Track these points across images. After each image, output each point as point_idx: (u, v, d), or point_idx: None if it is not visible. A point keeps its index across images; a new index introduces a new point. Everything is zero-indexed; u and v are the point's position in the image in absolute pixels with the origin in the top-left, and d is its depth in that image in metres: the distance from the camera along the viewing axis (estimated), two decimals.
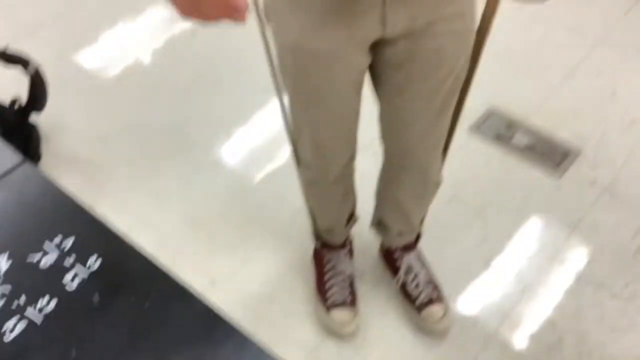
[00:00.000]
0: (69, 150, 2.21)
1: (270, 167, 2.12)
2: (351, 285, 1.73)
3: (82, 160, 2.19)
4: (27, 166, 1.07)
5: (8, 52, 1.99)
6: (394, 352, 1.68)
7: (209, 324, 0.86)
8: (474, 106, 2.19)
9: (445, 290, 1.72)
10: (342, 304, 1.68)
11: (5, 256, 0.93)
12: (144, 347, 0.84)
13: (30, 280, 0.90)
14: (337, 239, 1.72)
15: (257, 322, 1.70)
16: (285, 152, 2.11)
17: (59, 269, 0.91)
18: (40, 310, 0.87)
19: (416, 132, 1.33)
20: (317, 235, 1.74)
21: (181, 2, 0.70)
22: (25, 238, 0.96)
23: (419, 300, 1.68)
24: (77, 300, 0.88)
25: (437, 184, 1.53)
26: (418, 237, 1.74)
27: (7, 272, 0.91)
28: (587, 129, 2.16)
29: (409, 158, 1.43)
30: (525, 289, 1.77)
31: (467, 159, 2.08)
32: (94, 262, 0.92)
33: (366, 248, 1.84)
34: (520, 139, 2.13)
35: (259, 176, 2.10)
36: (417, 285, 1.69)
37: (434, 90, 1.23)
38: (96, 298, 0.88)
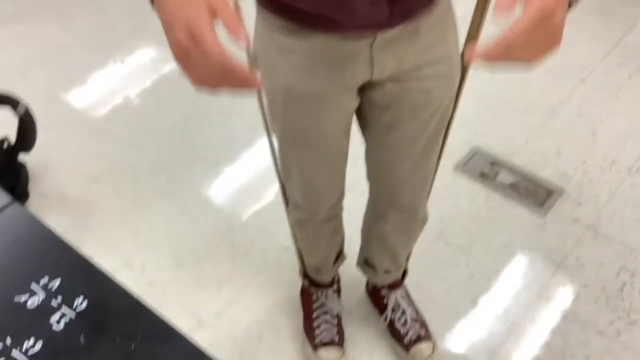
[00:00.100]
0: (57, 189, 2.21)
1: (257, 206, 2.13)
2: (339, 323, 1.72)
3: (70, 199, 2.19)
4: (16, 206, 1.07)
5: None
6: None
7: None
8: (458, 145, 2.23)
9: (432, 327, 1.72)
10: (330, 342, 1.68)
11: None
12: None
13: (16, 321, 0.90)
14: (325, 278, 1.73)
15: None
16: (272, 191, 2.13)
17: (45, 309, 0.91)
18: (26, 351, 0.87)
19: (403, 171, 1.35)
20: (305, 273, 1.74)
21: (192, 73, 0.72)
22: (12, 279, 0.96)
23: (406, 338, 1.68)
24: (64, 341, 0.88)
25: (423, 221, 1.55)
26: (404, 274, 1.75)
27: None
28: (569, 168, 2.20)
29: (395, 196, 1.44)
30: (512, 327, 1.78)
31: (453, 196, 2.11)
32: (81, 303, 0.92)
33: (353, 285, 1.84)
34: (504, 177, 2.16)
35: (247, 215, 2.11)
36: (404, 323, 1.70)
37: (420, 130, 1.25)
38: (82, 339, 0.88)
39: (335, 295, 1.76)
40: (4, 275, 0.97)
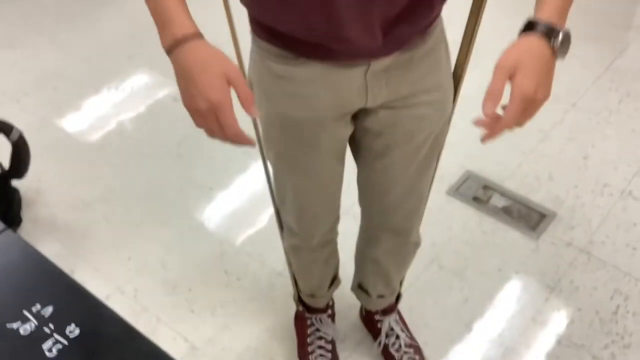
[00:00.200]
0: (50, 215, 2.21)
1: (251, 231, 2.13)
2: (333, 349, 1.71)
3: (62, 225, 2.18)
4: (8, 232, 1.07)
5: None
6: None
7: None
8: (451, 169, 2.24)
9: (427, 352, 1.71)
10: None
11: None
12: None
13: (9, 349, 0.90)
14: (320, 303, 1.72)
15: None
16: (266, 216, 2.13)
17: (38, 337, 0.91)
18: None
19: (395, 196, 1.35)
20: (299, 299, 1.73)
21: (204, 128, 0.88)
22: (5, 305, 0.95)
23: None
24: None
25: (416, 245, 1.55)
26: (398, 298, 1.75)
27: None
28: (561, 192, 2.21)
29: (388, 220, 1.44)
30: (506, 351, 1.77)
31: (446, 220, 2.11)
32: (73, 330, 0.92)
33: (347, 309, 1.84)
34: (497, 201, 2.18)
35: (240, 240, 2.11)
36: (398, 348, 1.69)
37: (413, 154, 1.26)
38: None
39: (330, 320, 1.75)
40: None
